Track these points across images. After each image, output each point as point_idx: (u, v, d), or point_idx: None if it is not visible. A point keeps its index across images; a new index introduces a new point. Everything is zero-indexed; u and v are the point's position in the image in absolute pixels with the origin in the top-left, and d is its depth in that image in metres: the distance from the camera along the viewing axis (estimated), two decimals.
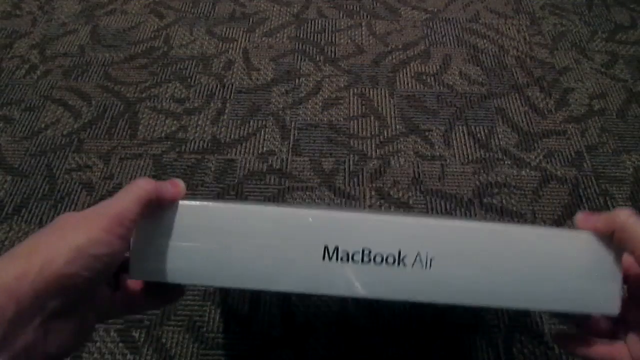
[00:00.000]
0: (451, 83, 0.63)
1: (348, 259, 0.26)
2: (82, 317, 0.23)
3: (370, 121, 0.59)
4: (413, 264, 0.26)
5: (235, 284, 0.26)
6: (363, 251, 0.26)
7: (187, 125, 0.59)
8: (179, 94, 0.62)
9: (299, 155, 0.56)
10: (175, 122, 0.59)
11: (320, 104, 0.61)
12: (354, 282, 0.25)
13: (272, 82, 0.64)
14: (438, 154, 0.56)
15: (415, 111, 0.60)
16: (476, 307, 0.27)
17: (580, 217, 0.28)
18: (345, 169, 0.55)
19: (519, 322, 0.44)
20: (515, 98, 0.62)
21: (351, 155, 0.56)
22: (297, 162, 0.55)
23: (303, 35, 0.70)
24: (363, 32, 0.70)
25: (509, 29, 0.71)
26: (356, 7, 0.74)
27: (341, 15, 0.73)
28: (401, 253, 0.26)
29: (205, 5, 0.74)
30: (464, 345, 0.42)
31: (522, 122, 0.59)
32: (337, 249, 0.25)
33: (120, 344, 0.42)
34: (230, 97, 0.62)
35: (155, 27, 0.71)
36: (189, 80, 0.64)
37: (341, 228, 0.26)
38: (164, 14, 0.73)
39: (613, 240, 0.27)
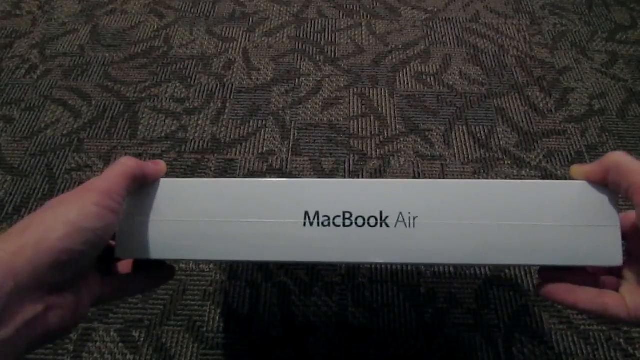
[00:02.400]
0: (451, 83, 0.63)
1: (329, 224, 0.25)
2: (78, 295, 0.24)
3: (370, 121, 0.59)
4: (396, 224, 0.25)
5: (218, 257, 0.26)
6: (344, 215, 0.25)
7: (187, 125, 0.59)
8: (179, 93, 0.62)
9: (299, 155, 0.56)
10: (175, 122, 0.59)
11: (320, 103, 0.61)
12: (336, 247, 0.25)
13: (272, 82, 0.64)
14: (438, 153, 0.56)
15: (415, 111, 0.60)
16: (467, 265, 0.26)
17: (574, 166, 0.28)
18: (345, 168, 0.55)
19: (519, 322, 0.44)
20: (515, 98, 0.62)
21: (351, 155, 0.56)
22: (297, 162, 0.55)
23: (303, 35, 0.70)
24: (363, 32, 0.70)
25: (509, 29, 0.71)
26: (356, 7, 0.74)
27: (341, 15, 0.73)
28: (383, 214, 0.25)
29: (205, 5, 0.74)
30: (464, 345, 0.42)
31: (522, 122, 0.59)
32: (317, 214, 0.25)
33: (120, 344, 0.42)
34: (230, 97, 0.62)
35: (155, 27, 0.71)
36: (189, 80, 0.64)
37: (320, 194, 0.26)
38: (164, 14, 0.73)
39: (608, 186, 0.26)
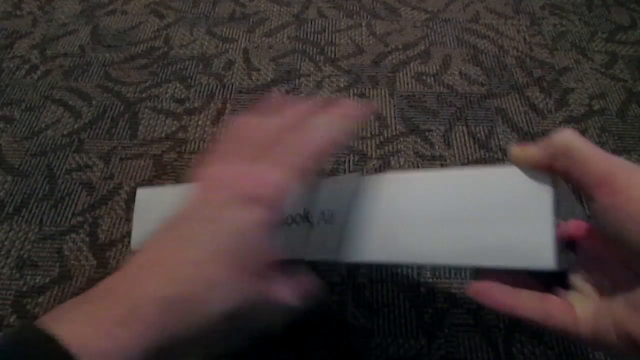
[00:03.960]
0: (451, 83, 0.63)
1: None
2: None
3: (370, 121, 0.59)
4: (318, 222, 0.25)
5: None
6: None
7: (187, 125, 0.59)
8: (179, 94, 0.62)
9: None
10: (175, 122, 0.59)
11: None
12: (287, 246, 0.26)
13: (272, 82, 0.64)
14: (438, 154, 0.56)
15: (415, 111, 0.60)
16: (389, 264, 0.24)
17: (514, 148, 0.23)
18: (345, 169, 0.55)
19: (519, 322, 0.44)
20: (515, 98, 0.62)
21: (351, 155, 0.56)
22: None
23: (303, 35, 0.70)
24: (363, 32, 0.70)
25: (509, 29, 0.71)
26: (356, 7, 0.74)
27: (341, 15, 0.73)
28: (306, 210, 0.26)
29: (205, 6, 0.75)
30: (464, 345, 0.42)
31: (522, 122, 0.59)
32: None
33: None
34: (230, 97, 0.62)
35: (156, 27, 0.71)
36: (189, 80, 0.64)
37: None
38: (164, 14, 0.73)
39: (555, 171, 0.22)
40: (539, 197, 0.21)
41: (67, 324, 0.17)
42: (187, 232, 0.21)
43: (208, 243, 0.20)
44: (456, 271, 0.29)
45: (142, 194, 0.32)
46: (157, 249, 0.21)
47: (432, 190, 0.24)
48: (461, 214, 0.23)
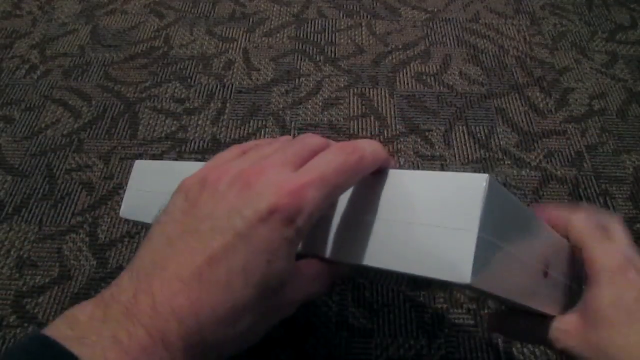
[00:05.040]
0: (451, 83, 0.63)
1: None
2: None
3: (370, 121, 0.59)
4: None
5: None
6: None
7: (187, 125, 0.59)
8: (179, 94, 0.62)
9: None
10: (175, 122, 0.59)
11: (320, 104, 0.61)
12: None
13: (272, 82, 0.64)
14: (438, 154, 0.56)
15: (415, 111, 0.60)
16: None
17: (536, 207, 0.27)
18: None
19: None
20: (515, 98, 0.62)
21: None
22: None
23: (303, 35, 0.70)
24: (363, 32, 0.70)
25: (509, 29, 0.71)
26: (356, 7, 0.74)
27: (341, 15, 0.73)
28: None
29: (205, 5, 0.74)
30: (464, 345, 0.42)
31: (522, 122, 0.59)
32: None
33: None
34: (230, 97, 0.62)
35: (155, 27, 0.71)
36: (189, 80, 0.64)
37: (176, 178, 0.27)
38: (164, 14, 0.73)
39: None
40: (470, 205, 0.20)
41: (90, 346, 0.16)
42: (213, 242, 0.19)
43: (239, 262, 0.19)
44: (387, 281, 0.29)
45: (139, 164, 0.33)
46: (178, 253, 0.19)
47: (384, 188, 0.23)
48: (396, 215, 0.22)
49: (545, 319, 0.26)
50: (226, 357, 0.21)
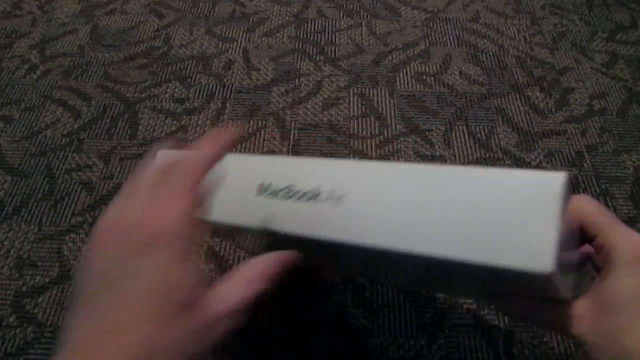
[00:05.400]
0: (451, 83, 0.63)
1: (276, 195, 0.28)
2: None
3: (371, 121, 0.59)
4: (326, 200, 0.26)
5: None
6: (288, 187, 0.27)
7: (187, 125, 0.59)
8: (179, 94, 0.62)
9: (299, 155, 0.56)
10: (175, 122, 0.59)
11: (320, 103, 0.61)
12: (275, 216, 0.27)
13: (272, 82, 0.64)
14: (438, 153, 0.56)
15: (415, 111, 0.60)
16: (387, 251, 0.23)
17: None
18: None
19: (519, 322, 0.44)
20: (516, 98, 0.62)
21: (351, 155, 0.56)
22: None
23: (303, 35, 0.70)
24: (363, 32, 0.70)
25: (509, 28, 0.71)
26: (356, 7, 0.74)
27: (341, 15, 0.73)
28: (318, 189, 0.27)
29: (205, 5, 0.74)
30: (464, 345, 0.42)
31: (522, 122, 0.59)
32: (269, 185, 0.28)
33: None
34: (230, 97, 0.62)
35: (155, 27, 0.71)
36: (189, 80, 0.64)
37: (276, 168, 0.29)
38: (164, 14, 0.73)
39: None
40: (546, 199, 0.21)
41: None
42: (109, 302, 0.20)
43: (137, 305, 0.19)
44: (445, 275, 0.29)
45: (162, 153, 0.33)
46: (90, 334, 0.19)
47: (440, 183, 0.24)
48: (463, 209, 0.23)
49: (556, 304, 0.25)
50: None
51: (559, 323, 0.25)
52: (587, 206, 0.26)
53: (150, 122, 0.59)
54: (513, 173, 0.23)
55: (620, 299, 0.23)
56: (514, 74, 0.65)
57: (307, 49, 0.68)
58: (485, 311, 0.44)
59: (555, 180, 0.21)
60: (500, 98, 0.62)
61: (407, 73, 0.65)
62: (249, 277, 0.24)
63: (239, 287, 0.23)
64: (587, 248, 0.27)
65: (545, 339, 0.43)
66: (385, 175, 0.26)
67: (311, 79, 0.64)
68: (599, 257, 0.25)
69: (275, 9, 0.74)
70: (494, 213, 0.22)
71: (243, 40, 0.69)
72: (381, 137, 0.58)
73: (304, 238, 0.26)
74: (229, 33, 0.70)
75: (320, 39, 0.69)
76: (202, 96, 0.62)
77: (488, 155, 0.56)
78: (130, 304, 0.19)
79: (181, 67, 0.66)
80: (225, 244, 0.49)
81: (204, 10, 0.74)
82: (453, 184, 0.24)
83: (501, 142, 0.57)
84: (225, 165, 0.27)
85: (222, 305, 0.22)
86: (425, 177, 0.25)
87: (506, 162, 0.55)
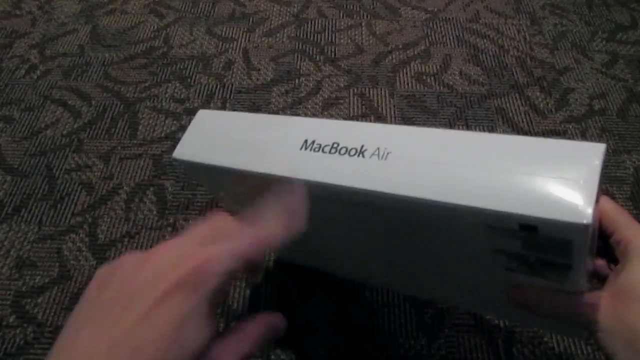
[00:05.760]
0: (451, 83, 0.63)
1: (320, 150, 0.29)
2: None
3: (370, 121, 0.59)
4: (371, 156, 0.27)
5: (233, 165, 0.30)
6: (333, 144, 0.28)
7: (187, 125, 0.59)
8: (178, 94, 0.62)
9: None
10: (175, 122, 0.59)
11: (320, 104, 0.61)
12: (318, 168, 0.28)
13: (272, 82, 0.64)
14: None
15: (415, 111, 0.60)
16: (429, 204, 0.24)
17: None
18: None
19: (519, 322, 0.43)
20: (516, 98, 0.62)
21: None
22: None
23: (303, 35, 0.70)
24: (363, 32, 0.70)
25: (509, 29, 0.71)
26: (356, 7, 0.74)
27: (341, 15, 0.73)
28: (363, 147, 0.28)
29: (205, 5, 0.74)
30: (464, 345, 0.42)
31: (522, 122, 0.59)
32: (313, 142, 0.29)
33: None
34: (230, 97, 0.62)
35: (155, 27, 0.71)
36: (188, 80, 0.64)
37: (321, 128, 0.30)
38: (164, 14, 0.73)
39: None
40: (588, 161, 0.22)
41: None
42: (116, 326, 0.19)
43: (146, 341, 0.18)
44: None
45: (203, 113, 0.35)
46: (82, 340, 0.19)
47: (483, 145, 0.26)
48: (505, 169, 0.24)
49: (572, 295, 0.27)
50: None
51: (574, 311, 0.26)
52: (608, 205, 0.28)
53: (150, 122, 0.59)
54: (554, 140, 0.24)
55: (636, 287, 0.25)
56: (514, 74, 0.65)
57: (307, 49, 0.68)
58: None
59: (596, 147, 0.23)
60: (500, 98, 0.62)
61: (407, 73, 0.65)
62: (246, 340, 0.24)
63: (236, 351, 0.23)
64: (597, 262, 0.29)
65: (545, 339, 0.43)
66: (427, 137, 0.27)
67: (311, 79, 0.64)
68: (616, 252, 0.27)
69: (275, 9, 0.74)
70: (537, 171, 0.23)
71: (243, 40, 0.69)
72: None
73: (350, 191, 0.27)
74: (229, 33, 0.70)
75: (320, 39, 0.69)
76: (202, 96, 0.62)
77: None
78: (135, 338, 0.18)
79: (181, 67, 0.66)
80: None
81: (204, 10, 0.74)
82: (495, 146, 0.25)
83: None
84: (262, 122, 0.29)
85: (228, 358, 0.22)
86: (468, 141, 0.26)
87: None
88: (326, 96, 0.62)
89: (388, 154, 0.27)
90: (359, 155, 0.28)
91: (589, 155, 0.23)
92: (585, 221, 0.21)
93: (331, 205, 0.30)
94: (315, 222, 0.26)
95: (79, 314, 0.20)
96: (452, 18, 0.72)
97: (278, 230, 0.24)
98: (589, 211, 0.21)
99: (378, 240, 0.33)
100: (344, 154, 0.28)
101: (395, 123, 0.59)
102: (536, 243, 0.23)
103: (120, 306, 0.19)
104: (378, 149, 0.27)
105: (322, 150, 0.29)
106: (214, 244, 0.22)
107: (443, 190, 0.24)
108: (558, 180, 0.22)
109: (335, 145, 0.28)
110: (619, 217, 0.27)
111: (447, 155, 0.26)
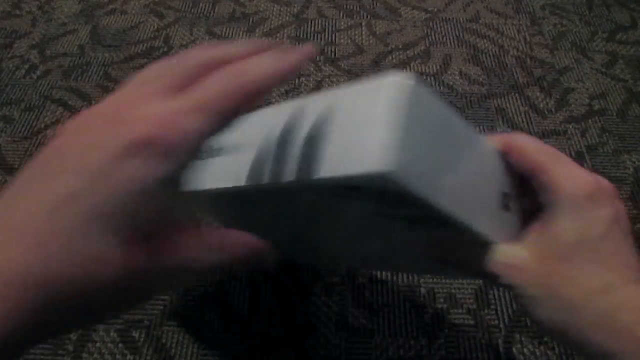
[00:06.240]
0: (451, 83, 0.63)
1: (208, 154, 0.26)
2: None
3: None
4: (221, 154, 0.26)
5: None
6: (213, 145, 0.25)
7: None
8: None
9: None
10: None
11: None
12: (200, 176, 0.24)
13: None
14: None
15: None
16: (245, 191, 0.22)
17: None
18: None
19: (519, 322, 0.44)
20: (516, 98, 0.62)
21: None
22: None
23: (303, 35, 0.70)
24: (363, 32, 0.70)
25: (509, 29, 0.71)
26: (356, 7, 0.74)
27: (341, 15, 0.73)
28: (220, 144, 0.26)
29: (205, 5, 0.74)
30: (464, 345, 0.42)
31: (522, 122, 0.59)
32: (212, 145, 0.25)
33: (120, 344, 0.42)
34: None
35: (155, 27, 0.71)
36: None
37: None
38: (164, 14, 0.73)
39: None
40: (385, 101, 0.18)
41: None
42: (59, 185, 0.16)
43: (92, 206, 0.16)
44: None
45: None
46: (22, 201, 0.17)
47: (294, 112, 0.23)
48: (311, 134, 0.20)
49: (493, 250, 0.23)
50: (93, 318, 0.19)
51: (493, 273, 0.22)
52: (523, 141, 0.23)
53: None
54: (353, 87, 0.20)
55: (564, 245, 0.21)
56: (514, 74, 0.65)
57: None
58: (485, 311, 0.44)
59: (394, 80, 0.19)
60: (500, 98, 0.62)
61: (407, 73, 0.65)
62: (213, 242, 0.20)
63: (216, 249, 0.20)
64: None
65: (545, 339, 0.43)
66: (251, 120, 0.24)
67: (311, 79, 0.64)
68: (541, 197, 0.23)
69: (275, 9, 0.74)
70: (339, 128, 0.19)
71: (243, 40, 0.69)
72: None
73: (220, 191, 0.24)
74: (229, 33, 0.70)
75: (320, 39, 0.69)
76: None
77: None
78: (94, 203, 0.16)
79: None
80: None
81: (204, 10, 0.74)
82: (306, 111, 0.22)
83: None
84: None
85: (181, 254, 0.19)
86: (282, 110, 0.24)
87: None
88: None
89: (220, 149, 0.25)
90: (217, 155, 0.25)
91: (393, 92, 0.18)
92: (384, 169, 0.17)
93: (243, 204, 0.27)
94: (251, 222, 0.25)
95: (23, 173, 0.18)
96: (452, 18, 0.72)
97: None
98: (390, 157, 0.17)
99: (299, 223, 0.30)
100: (214, 155, 0.25)
101: None
102: (383, 200, 0.20)
103: (61, 168, 0.17)
104: (225, 144, 0.25)
105: (208, 154, 0.26)
106: (182, 97, 0.18)
107: (246, 176, 0.22)
108: (358, 129, 0.18)
109: (211, 146, 0.25)
110: (539, 155, 0.23)
111: (256, 136, 0.23)
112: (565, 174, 0.22)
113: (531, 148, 0.23)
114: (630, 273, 0.21)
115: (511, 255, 0.22)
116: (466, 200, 0.21)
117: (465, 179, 0.21)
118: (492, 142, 0.24)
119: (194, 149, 0.18)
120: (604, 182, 0.23)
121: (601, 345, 0.20)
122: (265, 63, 0.20)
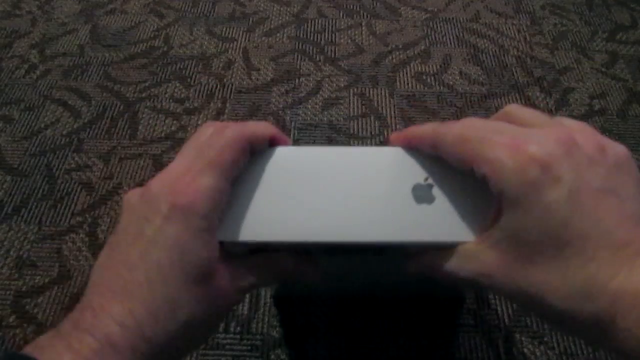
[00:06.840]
0: (451, 83, 0.63)
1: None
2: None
3: (370, 121, 0.59)
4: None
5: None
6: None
7: (187, 125, 0.59)
8: (178, 93, 0.62)
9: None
10: (175, 122, 0.59)
11: (320, 103, 0.61)
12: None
13: (272, 82, 0.64)
14: None
15: (415, 111, 0.60)
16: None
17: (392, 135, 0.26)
18: None
19: (519, 322, 0.44)
20: (516, 98, 0.62)
21: None
22: None
23: (303, 35, 0.70)
24: (363, 32, 0.70)
25: (509, 28, 0.71)
26: (356, 7, 0.74)
27: (341, 15, 0.73)
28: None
29: (205, 5, 0.74)
30: (464, 345, 0.42)
31: None
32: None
33: None
34: (230, 96, 0.62)
35: (155, 27, 0.71)
36: (188, 80, 0.64)
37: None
38: (164, 14, 0.73)
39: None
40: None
41: (48, 350, 0.19)
42: (130, 253, 0.21)
43: (155, 263, 0.21)
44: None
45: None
46: (110, 274, 0.22)
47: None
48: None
49: (451, 255, 0.22)
50: (181, 357, 0.23)
51: (473, 280, 0.21)
52: (420, 131, 0.23)
53: (150, 122, 0.59)
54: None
55: (525, 246, 0.19)
56: (514, 74, 0.65)
57: (307, 49, 0.68)
58: (485, 311, 0.44)
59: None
60: (500, 98, 0.62)
61: (407, 73, 0.65)
62: (264, 266, 0.25)
63: (244, 272, 0.24)
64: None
65: (545, 339, 0.43)
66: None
67: (311, 79, 0.64)
68: (490, 189, 0.20)
69: (275, 9, 0.74)
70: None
71: (243, 40, 0.69)
72: (381, 137, 0.58)
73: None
74: (229, 33, 0.70)
75: (320, 39, 0.69)
76: (202, 96, 0.62)
77: None
78: (153, 260, 0.21)
79: (181, 67, 0.66)
80: None
81: (204, 10, 0.74)
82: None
83: None
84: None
85: (228, 283, 0.23)
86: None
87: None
88: (326, 96, 0.62)
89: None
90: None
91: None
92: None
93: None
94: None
95: (105, 249, 0.23)
96: (452, 18, 0.72)
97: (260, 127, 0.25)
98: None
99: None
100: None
101: (396, 123, 0.59)
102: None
103: (130, 240, 0.22)
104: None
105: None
106: (199, 159, 0.23)
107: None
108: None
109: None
110: (462, 148, 0.20)
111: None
112: (495, 163, 0.19)
113: (449, 139, 0.21)
114: (622, 251, 0.17)
115: (481, 263, 0.20)
116: (357, 221, 0.23)
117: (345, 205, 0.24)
118: (395, 142, 0.25)
119: (216, 199, 0.22)
120: (546, 144, 0.19)
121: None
122: (254, 124, 0.25)
